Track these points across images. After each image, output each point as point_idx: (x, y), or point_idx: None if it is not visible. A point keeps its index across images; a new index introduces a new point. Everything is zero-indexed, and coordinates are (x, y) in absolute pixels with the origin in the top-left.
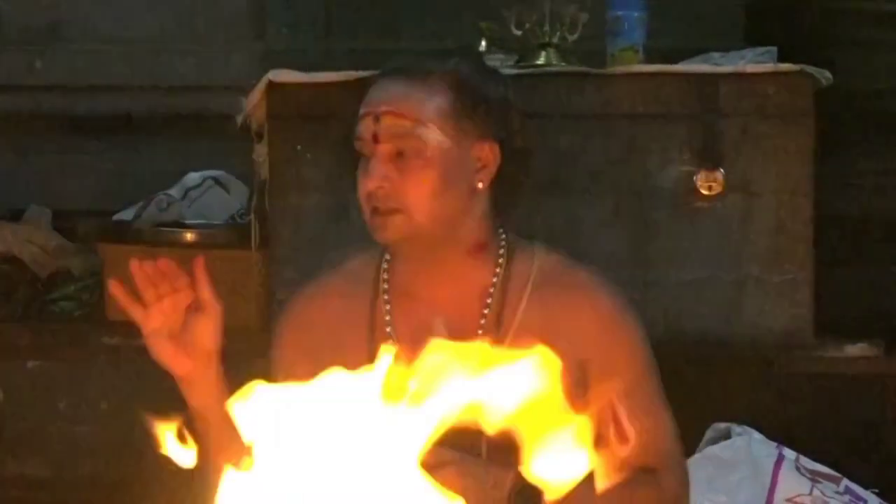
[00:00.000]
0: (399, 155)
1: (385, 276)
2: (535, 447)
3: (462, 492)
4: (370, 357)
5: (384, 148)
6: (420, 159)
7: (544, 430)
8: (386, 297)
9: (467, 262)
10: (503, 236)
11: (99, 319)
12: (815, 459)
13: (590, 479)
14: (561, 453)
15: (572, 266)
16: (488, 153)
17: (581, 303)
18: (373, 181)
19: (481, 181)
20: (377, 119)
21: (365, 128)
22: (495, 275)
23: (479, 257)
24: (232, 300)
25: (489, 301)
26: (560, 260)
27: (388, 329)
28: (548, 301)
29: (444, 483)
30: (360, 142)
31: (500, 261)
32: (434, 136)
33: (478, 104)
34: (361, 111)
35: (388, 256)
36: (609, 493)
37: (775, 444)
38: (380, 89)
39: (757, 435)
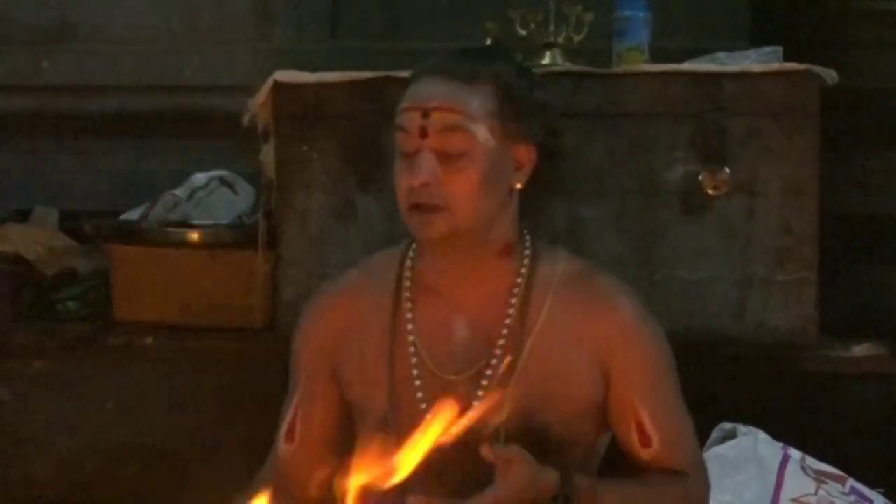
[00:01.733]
0: (445, 152)
1: (408, 273)
2: None
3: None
4: (391, 354)
5: (431, 143)
6: (466, 157)
7: None
8: (408, 294)
9: (495, 263)
10: (528, 239)
11: (105, 320)
12: (821, 459)
13: (614, 483)
14: None
15: (595, 272)
16: (525, 155)
17: (603, 308)
18: (420, 177)
19: (519, 182)
20: (426, 114)
21: (411, 122)
22: (520, 275)
23: (506, 259)
24: (238, 300)
25: (514, 301)
26: (583, 265)
27: (409, 326)
28: (570, 306)
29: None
30: (404, 135)
31: (526, 262)
32: (482, 133)
33: (521, 107)
34: (405, 105)
35: (412, 254)
36: (639, 494)
37: (781, 444)
38: (425, 86)
39: (762, 435)
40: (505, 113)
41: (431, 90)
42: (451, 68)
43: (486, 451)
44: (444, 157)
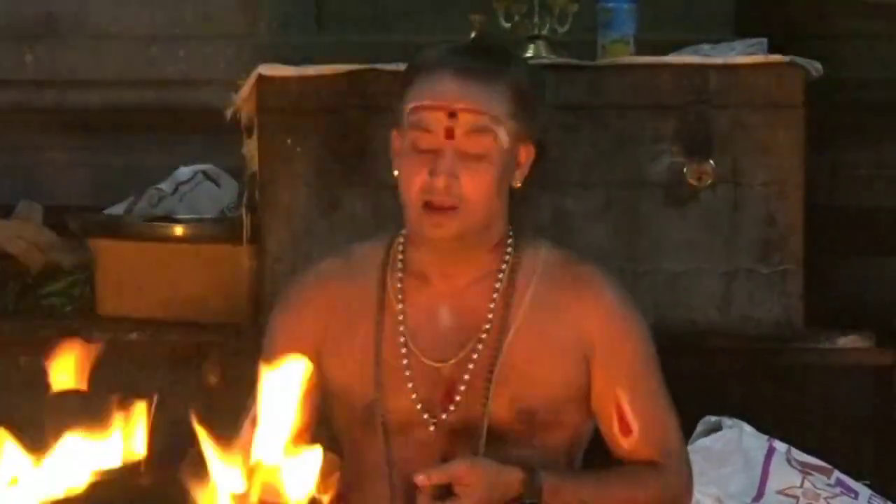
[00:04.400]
0: (467, 152)
1: (400, 257)
2: None
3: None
4: (377, 342)
5: (457, 144)
6: (486, 159)
7: None
8: (400, 284)
9: (483, 254)
10: (511, 229)
11: (90, 314)
12: (806, 451)
13: (585, 475)
14: None
15: (578, 261)
16: (525, 154)
17: (586, 297)
18: (441, 177)
19: (517, 181)
20: (453, 114)
21: (436, 121)
22: (504, 262)
23: (493, 250)
24: (222, 295)
25: (498, 286)
26: (565, 254)
27: (399, 316)
28: (554, 294)
29: (456, 478)
30: (424, 134)
31: (509, 250)
32: (502, 135)
33: (532, 110)
34: (426, 103)
35: (401, 239)
36: (611, 487)
37: (766, 436)
38: (448, 84)
39: (748, 427)
40: (518, 115)
41: (456, 89)
42: (473, 67)
43: (420, 480)
44: (465, 158)
